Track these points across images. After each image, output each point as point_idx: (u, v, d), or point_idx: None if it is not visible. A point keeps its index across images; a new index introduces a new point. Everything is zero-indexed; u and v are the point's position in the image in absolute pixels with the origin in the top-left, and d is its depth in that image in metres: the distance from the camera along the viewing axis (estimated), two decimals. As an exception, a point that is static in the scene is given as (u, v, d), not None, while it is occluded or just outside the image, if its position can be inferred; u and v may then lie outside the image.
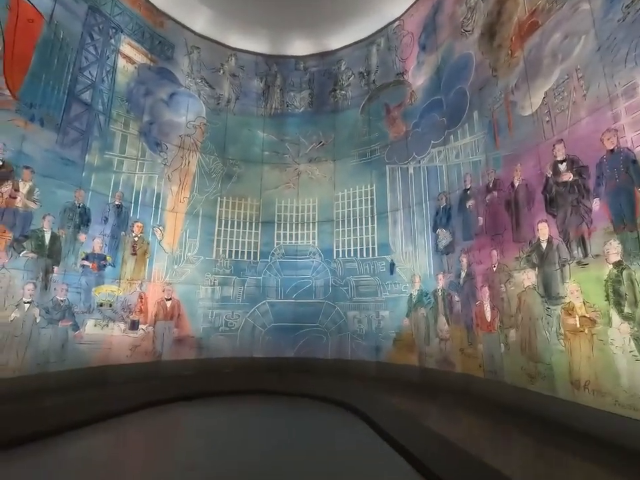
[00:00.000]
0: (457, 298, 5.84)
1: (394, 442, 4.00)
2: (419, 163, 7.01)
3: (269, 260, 8.15)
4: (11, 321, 5.10)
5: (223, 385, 6.68)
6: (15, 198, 5.27)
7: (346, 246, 7.92)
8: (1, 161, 5.15)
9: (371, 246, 7.64)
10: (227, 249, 8.04)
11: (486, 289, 5.21)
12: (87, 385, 5.73)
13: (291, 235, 8.32)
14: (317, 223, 8.29)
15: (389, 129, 7.80)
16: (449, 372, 5.77)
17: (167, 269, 7.33)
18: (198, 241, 7.79)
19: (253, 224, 8.33)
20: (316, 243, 8.19)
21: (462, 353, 5.59)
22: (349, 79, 8.78)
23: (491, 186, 5.24)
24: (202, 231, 7.88)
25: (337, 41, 8.95)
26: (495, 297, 5.05)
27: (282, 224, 8.39)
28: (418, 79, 7.35)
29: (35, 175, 5.52)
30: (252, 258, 8.14)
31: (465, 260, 5.71)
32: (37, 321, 5.40)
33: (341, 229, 8.06)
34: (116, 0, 7.12)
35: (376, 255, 7.52)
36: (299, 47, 9.21)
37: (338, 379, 6.72)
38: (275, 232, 8.33)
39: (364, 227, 7.80)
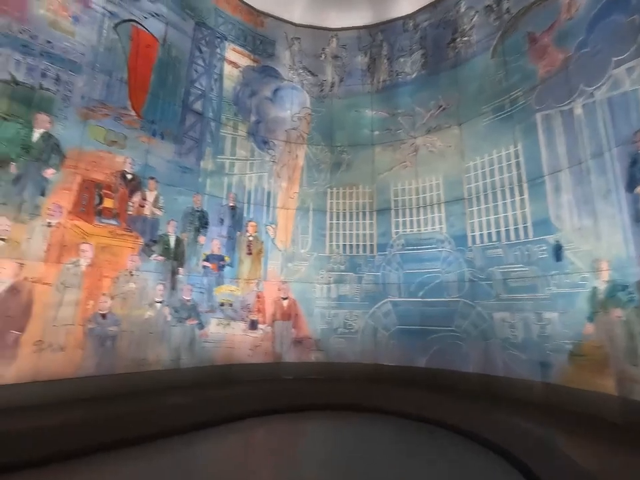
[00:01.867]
0: (689, 292, 3.56)
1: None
2: (592, 96, 4.79)
3: (387, 253, 7.08)
4: (146, 319, 5.56)
5: (344, 396, 5.94)
6: (144, 206, 5.79)
7: (485, 228, 6.16)
8: (132, 174, 5.72)
9: (521, 225, 5.69)
10: (341, 243, 7.36)
11: None
12: (214, 383, 5.85)
13: (411, 222, 7.05)
14: (443, 205, 6.78)
15: (537, 63, 5.71)
16: (683, 413, 3.54)
17: (281, 267, 7.12)
18: (310, 237, 7.36)
19: (367, 213, 7.42)
20: (443, 228, 6.68)
21: None
22: (471, 20, 6.97)
23: None
24: (313, 226, 7.43)
25: (453, -21, 7.27)
26: None
27: (400, 210, 7.20)
28: (579, -21, 5.11)
29: (159, 185, 5.99)
30: (368, 252, 7.23)
31: (702, 228, 3.42)
32: (168, 319, 5.79)
33: (475, 208, 6.34)
34: (219, 11, 7.38)
35: (530, 236, 5.54)
36: (406, 4, 7.90)
37: (485, 402, 5.10)
38: (392, 220, 7.20)
39: (509, 201, 5.90)
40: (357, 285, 7.09)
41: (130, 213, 5.62)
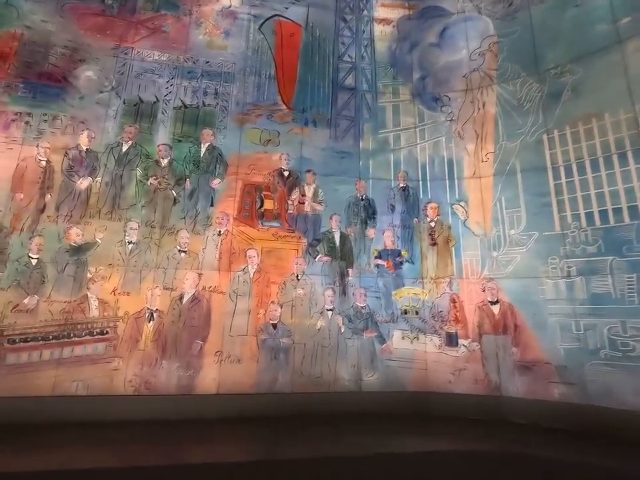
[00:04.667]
0: None
1: None
2: None
3: (691, 213, 3.85)
4: (318, 329, 4.79)
5: None
6: (303, 203, 5.19)
7: None
8: (288, 171, 5.25)
9: None
10: (581, 211, 4.59)
11: None
12: (407, 419, 4.40)
13: None
14: None
15: None
16: None
17: (482, 259, 5.06)
18: (523, 210, 4.97)
19: (628, 155, 4.37)
20: None
21: None
22: None
23: None
24: (526, 194, 4.99)
25: None
26: None
27: None
28: None
29: (316, 177, 5.30)
30: (642, 217, 4.17)
31: None
32: (342, 330, 4.85)
33: None
34: (361, -30, 6.36)
35: None
36: None
37: None
38: (694, 152, 3.92)
39: None
40: (628, 275, 4.14)
41: (290, 212, 5.12)
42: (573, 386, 4.26)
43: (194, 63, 5.34)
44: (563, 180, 4.79)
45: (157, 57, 5.23)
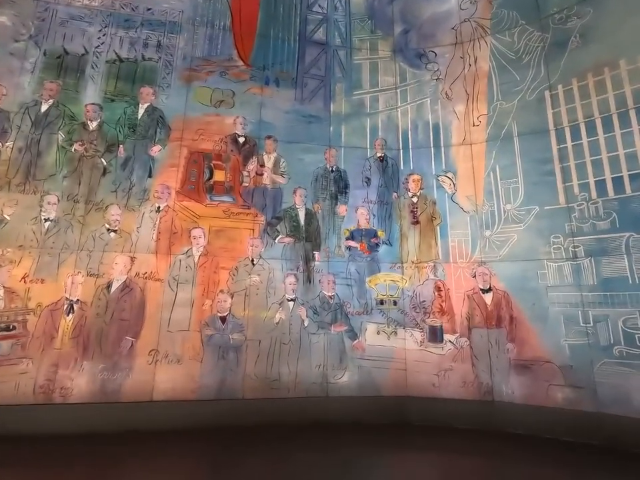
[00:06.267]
0: None
1: None
2: None
3: None
4: (277, 323, 4.04)
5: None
6: (262, 174, 4.41)
7: None
8: (244, 137, 4.46)
9: None
10: (590, 179, 3.82)
11: None
12: (392, 429, 3.70)
13: None
14: None
15: None
16: None
17: (472, 239, 4.30)
18: (521, 181, 4.19)
19: (650, 108, 3.59)
20: None
21: None
22: None
23: None
24: (525, 162, 4.21)
25: None
26: None
27: None
28: None
29: (278, 144, 4.52)
30: (668, 184, 3.40)
31: None
32: (305, 324, 4.09)
33: None
34: None
35: None
36: None
37: None
38: None
39: None
40: (649, 256, 3.40)
41: (245, 184, 4.35)
42: (579, 390, 3.53)
43: (132, 9, 4.52)
44: (569, 143, 4.01)
45: (87, 2, 4.41)
